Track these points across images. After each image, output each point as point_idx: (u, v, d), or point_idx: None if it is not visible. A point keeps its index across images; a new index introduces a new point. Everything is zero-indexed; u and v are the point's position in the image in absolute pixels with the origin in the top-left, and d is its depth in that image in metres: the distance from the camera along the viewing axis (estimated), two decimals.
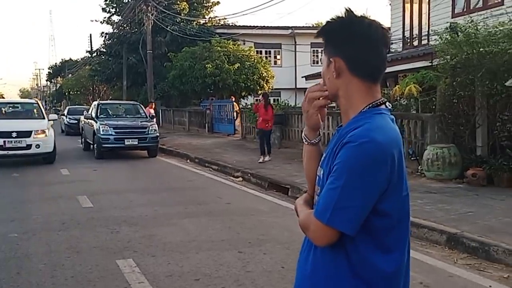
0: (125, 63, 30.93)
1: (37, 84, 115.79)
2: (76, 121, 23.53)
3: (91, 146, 16.22)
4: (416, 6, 15.98)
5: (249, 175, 10.96)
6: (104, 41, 33.17)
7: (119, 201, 8.51)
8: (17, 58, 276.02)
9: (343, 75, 1.61)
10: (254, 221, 7.06)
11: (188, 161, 14.63)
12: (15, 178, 11.46)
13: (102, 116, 16.23)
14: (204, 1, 31.98)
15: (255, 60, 24.47)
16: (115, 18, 33.31)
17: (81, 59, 52.10)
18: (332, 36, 1.65)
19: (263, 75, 24.29)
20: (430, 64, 11.09)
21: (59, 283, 4.67)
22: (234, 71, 22.96)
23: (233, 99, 21.97)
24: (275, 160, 12.50)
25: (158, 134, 15.76)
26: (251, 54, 24.74)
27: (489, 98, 9.22)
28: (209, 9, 32.29)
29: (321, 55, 1.74)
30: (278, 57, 32.00)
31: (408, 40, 16.21)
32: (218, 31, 28.79)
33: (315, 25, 36.96)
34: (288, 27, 31.31)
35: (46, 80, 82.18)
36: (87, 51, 43.66)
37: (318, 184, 1.66)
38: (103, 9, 32.94)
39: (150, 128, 15.33)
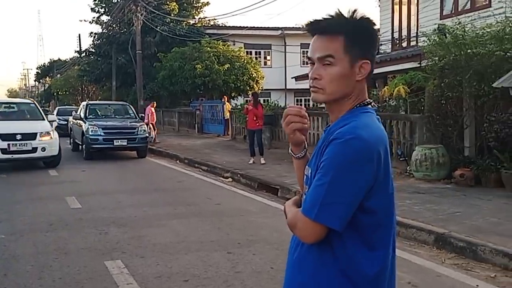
0: (114, 63, 30.76)
1: (25, 84, 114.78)
2: (66, 122, 23.29)
3: (80, 146, 16.12)
4: (405, 8, 16.07)
5: (238, 175, 10.95)
6: (93, 41, 32.96)
7: (108, 202, 8.47)
8: (5, 58, 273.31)
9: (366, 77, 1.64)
10: (243, 221, 7.05)
11: (178, 161, 14.59)
12: (3, 178, 11.35)
13: (91, 116, 16.14)
14: (194, 2, 31.94)
15: (245, 61, 24.51)
16: (104, 18, 33.15)
17: (70, 59, 51.66)
18: (360, 37, 1.61)
19: (253, 75, 24.35)
20: (419, 65, 11.17)
21: (46, 285, 4.63)
22: (224, 71, 22.97)
23: (226, 99, 21.79)
24: (265, 161, 12.50)
25: (147, 135, 15.70)
26: (241, 54, 24.78)
27: (476, 99, 9.30)
28: (199, 10, 32.24)
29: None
30: (268, 57, 32.03)
31: (397, 41, 16.29)
32: (208, 31, 28.76)
33: (305, 26, 36.91)
34: (278, 27, 31.35)
35: (35, 80, 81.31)
36: (76, 51, 43.38)
37: (306, 183, 1.67)
38: (92, 9, 32.77)
39: (140, 129, 15.26)
